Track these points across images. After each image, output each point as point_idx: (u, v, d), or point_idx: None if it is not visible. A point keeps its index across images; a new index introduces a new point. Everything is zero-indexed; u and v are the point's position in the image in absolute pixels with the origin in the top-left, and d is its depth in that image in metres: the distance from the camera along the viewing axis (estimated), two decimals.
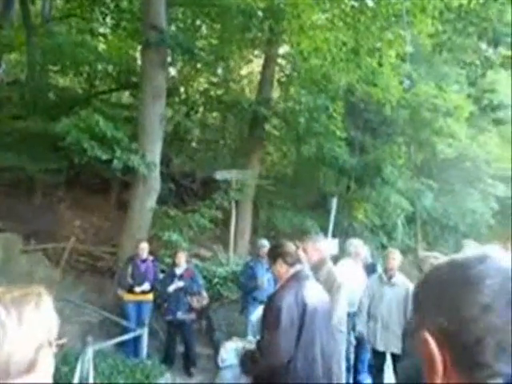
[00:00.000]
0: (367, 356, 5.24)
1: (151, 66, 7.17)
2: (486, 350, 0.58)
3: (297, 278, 2.57)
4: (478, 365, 0.58)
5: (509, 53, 9.17)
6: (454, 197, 13.10)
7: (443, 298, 0.64)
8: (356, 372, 5.37)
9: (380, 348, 4.60)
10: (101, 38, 11.70)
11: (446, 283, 0.66)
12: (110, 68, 11.15)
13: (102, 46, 11.86)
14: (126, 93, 13.01)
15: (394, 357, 4.49)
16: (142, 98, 7.28)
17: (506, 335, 0.58)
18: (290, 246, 2.67)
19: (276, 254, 2.66)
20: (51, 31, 9.96)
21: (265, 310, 2.52)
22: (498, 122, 13.07)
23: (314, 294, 2.54)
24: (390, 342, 4.48)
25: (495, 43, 8.57)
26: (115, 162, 6.30)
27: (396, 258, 4.67)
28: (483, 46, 9.56)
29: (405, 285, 4.62)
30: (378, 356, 4.75)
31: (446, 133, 10.41)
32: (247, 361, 2.50)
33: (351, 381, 5.31)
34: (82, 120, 6.33)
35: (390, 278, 4.63)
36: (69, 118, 6.49)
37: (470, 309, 0.60)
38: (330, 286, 3.13)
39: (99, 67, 11.09)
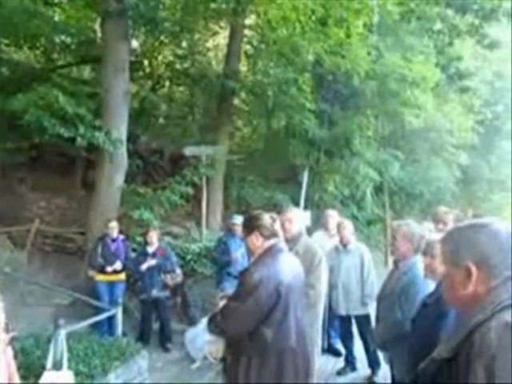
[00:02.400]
0: (337, 323, 5.46)
1: (112, 38, 6.84)
2: (498, 267, 1.18)
3: (271, 252, 2.52)
4: (494, 275, 1.18)
5: (476, 20, 9.28)
6: (419, 166, 13.48)
7: (477, 242, 1.22)
8: (329, 337, 5.60)
9: (343, 313, 4.84)
10: (56, 8, 11.00)
11: (477, 234, 1.23)
12: (69, 40, 10.56)
13: (58, 17, 11.18)
14: (88, 67, 12.42)
15: (357, 319, 4.83)
16: (104, 72, 6.97)
17: (507, 260, 1.18)
18: (267, 219, 2.59)
19: (252, 225, 2.58)
20: (0, 0, 9.27)
21: (238, 284, 2.51)
22: (463, 90, 13.35)
23: (288, 268, 2.50)
24: (351, 306, 4.77)
25: (463, 11, 8.62)
26: (79, 139, 6.05)
27: (346, 227, 4.88)
28: (450, 13, 9.60)
29: (359, 250, 4.90)
30: (345, 321, 4.99)
31: (413, 103, 10.56)
32: (213, 321, 2.49)
33: (325, 346, 5.56)
34: (41, 96, 6.01)
35: (344, 246, 4.86)
36: (26, 94, 6.14)
37: (491, 247, 1.20)
38: (310, 260, 3.15)
39: (57, 40, 10.48)
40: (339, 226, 4.92)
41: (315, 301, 3.01)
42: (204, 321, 2.65)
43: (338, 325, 5.25)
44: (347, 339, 5.07)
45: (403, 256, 2.95)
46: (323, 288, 3.28)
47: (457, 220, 4.44)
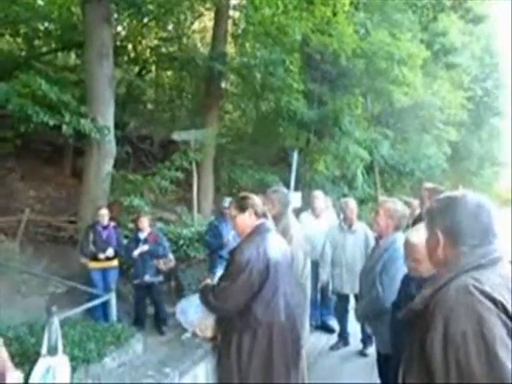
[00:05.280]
0: (331, 301, 5.56)
1: (94, 23, 6.70)
2: (464, 236, 1.35)
3: (259, 230, 2.58)
4: (460, 242, 1.35)
5: None
6: (409, 144, 13.51)
7: (446, 213, 1.39)
8: (321, 315, 5.72)
9: (346, 291, 4.91)
10: None
11: (448, 205, 1.41)
12: (52, 27, 10.35)
13: (39, 3, 10.91)
14: (74, 54, 12.19)
15: (357, 297, 4.85)
16: (88, 58, 6.86)
17: (474, 229, 1.35)
18: (258, 199, 2.69)
19: (246, 204, 2.64)
20: None
21: (228, 262, 2.56)
22: (449, 67, 13.28)
23: (276, 246, 2.58)
24: (355, 285, 4.77)
25: None
26: (64, 127, 5.98)
27: (352, 206, 4.90)
28: None
29: (364, 230, 4.91)
30: (343, 299, 5.07)
31: (401, 81, 10.53)
32: (205, 294, 2.56)
33: (319, 322, 5.69)
34: (24, 84, 5.91)
35: (349, 226, 4.87)
36: (8, 83, 6.04)
37: (459, 217, 1.36)
38: (284, 237, 3.19)
39: (39, 26, 10.27)
40: (344, 206, 4.95)
41: None
42: (197, 294, 2.69)
43: (335, 302, 5.33)
44: (342, 316, 5.16)
45: (382, 231, 2.99)
46: (298, 267, 3.31)
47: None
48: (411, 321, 1.39)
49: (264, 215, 2.65)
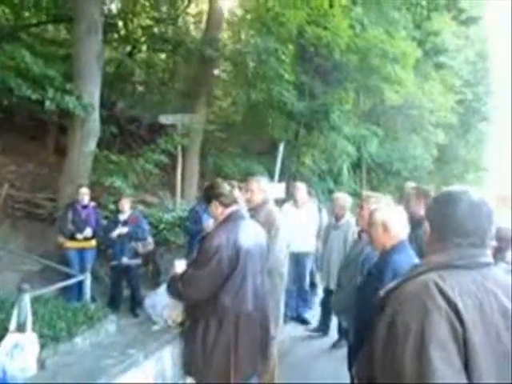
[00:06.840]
0: (307, 294, 5.62)
1: None
2: (448, 233, 1.31)
3: (231, 218, 2.54)
4: (444, 239, 1.32)
5: None
6: (397, 143, 13.58)
7: (437, 207, 1.38)
8: (297, 307, 5.76)
9: (328, 284, 4.92)
10: None
11: (441, 202, 1.38)
12: None
13: None
14: (64, 29, 11.87)
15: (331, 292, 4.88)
16: (76, 33, 6.68)
17: (464, 227, 1.29)
18: (225, 187, 2.60)
19: (210, 195, 2.60)
20: None
21: (198, 249, 2.52)
22: (438, 67, 13.33)
23: (248, 234, 2.52)
24: (331, 280, 4.81)
25: None
26: (47, 103, 5.83)
27: (342, 203, 4.91)
28: None
29: (348, 224, 4.90)
30: (326, 292, 5.08)
31: (393, 79, 10.54)
32: (172, 284, 2.52)
33: (294, 314, 5.73)
34: (8, 56, 5.74)
35: (337, 220, 4.91)
36: None
37: (447, 213, 1.33)
38: (269, 228, 3.18)
39: None
40: (334, 202, 5.02)
41: (270, 270, 3.05)
42: (164, 285, 2.66)
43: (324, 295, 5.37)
44: (324, 310, 5.20)
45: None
46: (280, 257, 3.30)
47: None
48: (376, 308, 1.39)
49: (233, 202, 2.58)
